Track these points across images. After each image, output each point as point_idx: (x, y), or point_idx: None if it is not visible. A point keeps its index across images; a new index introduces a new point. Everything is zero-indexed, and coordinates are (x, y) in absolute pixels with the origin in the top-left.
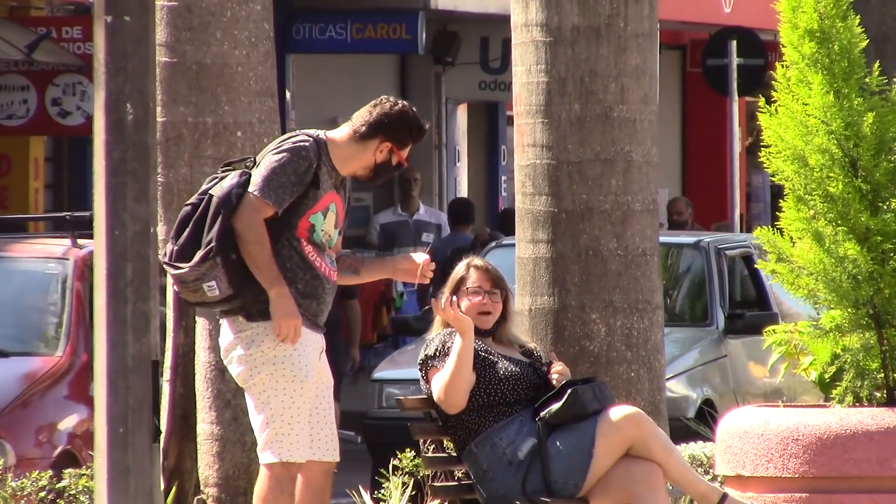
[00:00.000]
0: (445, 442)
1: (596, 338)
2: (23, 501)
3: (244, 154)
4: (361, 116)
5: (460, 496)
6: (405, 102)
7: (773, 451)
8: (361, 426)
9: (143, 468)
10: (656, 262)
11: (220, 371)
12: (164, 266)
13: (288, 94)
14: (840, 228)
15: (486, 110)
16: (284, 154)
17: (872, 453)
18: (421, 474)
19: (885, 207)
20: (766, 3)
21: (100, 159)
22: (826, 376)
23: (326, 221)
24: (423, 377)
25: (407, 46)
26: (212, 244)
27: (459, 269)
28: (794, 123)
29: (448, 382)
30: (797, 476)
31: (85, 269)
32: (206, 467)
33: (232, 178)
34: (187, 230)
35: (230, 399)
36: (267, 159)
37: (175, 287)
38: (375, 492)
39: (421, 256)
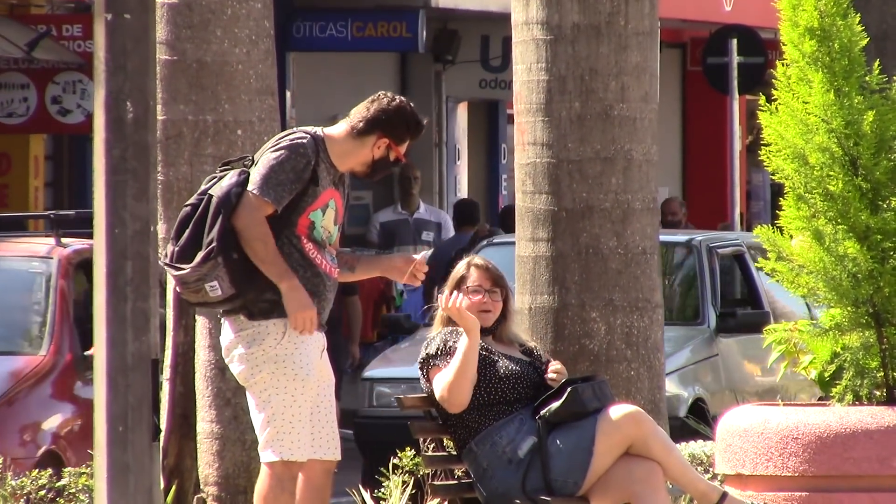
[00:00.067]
0: (445, 440)
1: (596, 336)
2: (22, 500)
3: (244, 152)
4: (359, 112)
5: (460, 495)
6: (402, 98)
7: (772, 449)
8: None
9: (142, 466)
10: (656, 260)
11: (220, 369)
12: (166, 267)
13: (288, 93)
14: (840, 227)
15: (486, 108)
16: (282, 151)
17: (872, 452)
18: (421, 473)
19: (884, 206)
20: (766, 1)
21: (100, 157)
22: (826, 375)
23: (326, 218)
24: (423, 376)
25: (407, 45)
26: (213, 244)
27: (460, 268)
28: (795, 122)
29: (452, 381)
30: (797, 475)
31: (69, 267)
32: (206, 466)
33: (231, 178)
34: (187, 231)
35: (230, 397)
36: (265, 157)
37: (177, 288)
38: (375, 491)
39: (419, 256)
